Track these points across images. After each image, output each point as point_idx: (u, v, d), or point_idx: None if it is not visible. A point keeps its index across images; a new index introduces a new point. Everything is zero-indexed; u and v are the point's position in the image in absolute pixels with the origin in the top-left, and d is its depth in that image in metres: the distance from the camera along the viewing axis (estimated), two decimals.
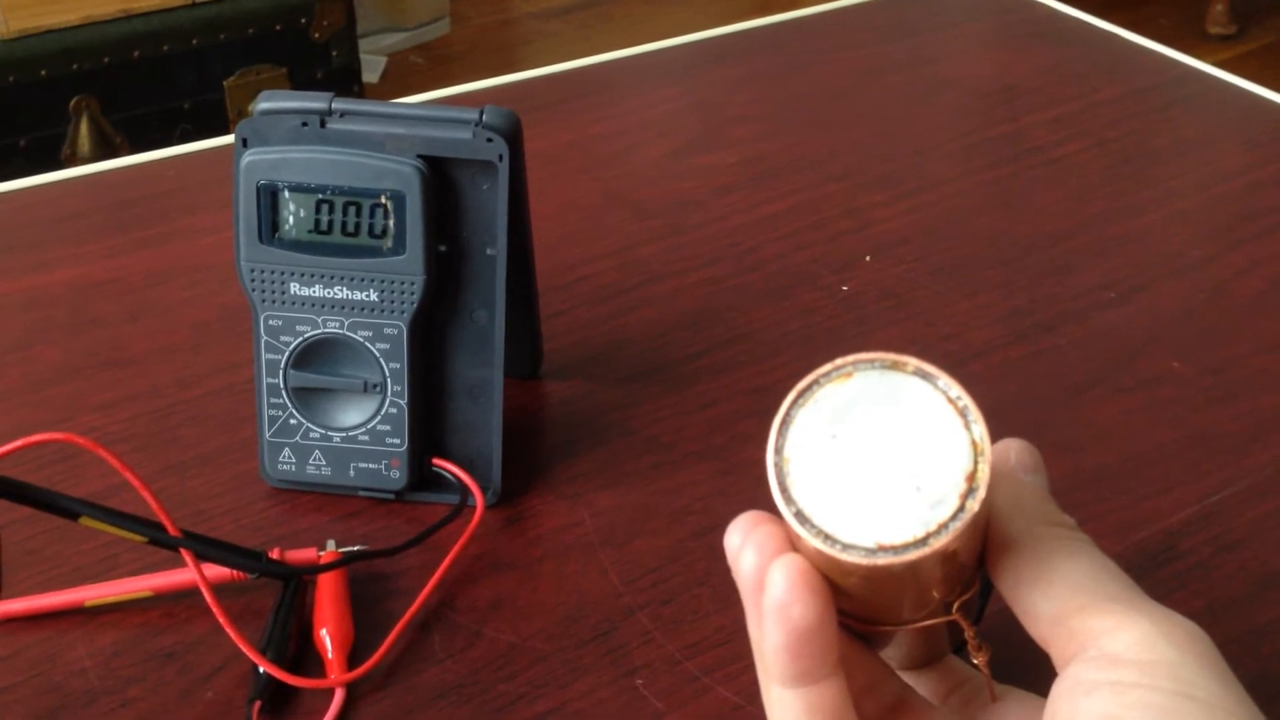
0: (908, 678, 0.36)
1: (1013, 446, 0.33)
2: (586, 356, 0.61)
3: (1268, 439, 0.56)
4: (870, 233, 0.71)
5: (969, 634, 0.32)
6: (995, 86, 0.87)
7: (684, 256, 0.68)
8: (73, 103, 1.72)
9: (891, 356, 0.29)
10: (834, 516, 0.28)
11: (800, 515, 0.28)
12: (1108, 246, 0.69)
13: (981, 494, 0.27)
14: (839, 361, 0.29)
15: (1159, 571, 0.49)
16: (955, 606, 0.31)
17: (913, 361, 0.29)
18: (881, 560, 0.27)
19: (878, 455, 0.28)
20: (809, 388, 0.29)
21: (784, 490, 0.29)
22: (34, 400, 0.58)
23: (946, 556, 0.28)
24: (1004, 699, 0.36)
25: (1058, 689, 0.29)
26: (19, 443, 0.39)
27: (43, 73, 1.70)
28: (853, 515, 0.28)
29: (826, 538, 0.28)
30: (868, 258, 0.68)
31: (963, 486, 0.28)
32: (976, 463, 0.28)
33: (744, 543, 0.30)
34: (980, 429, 0.28)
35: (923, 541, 0.27)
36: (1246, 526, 0.51)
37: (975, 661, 0.33)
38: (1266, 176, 0.76)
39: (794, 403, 0.29)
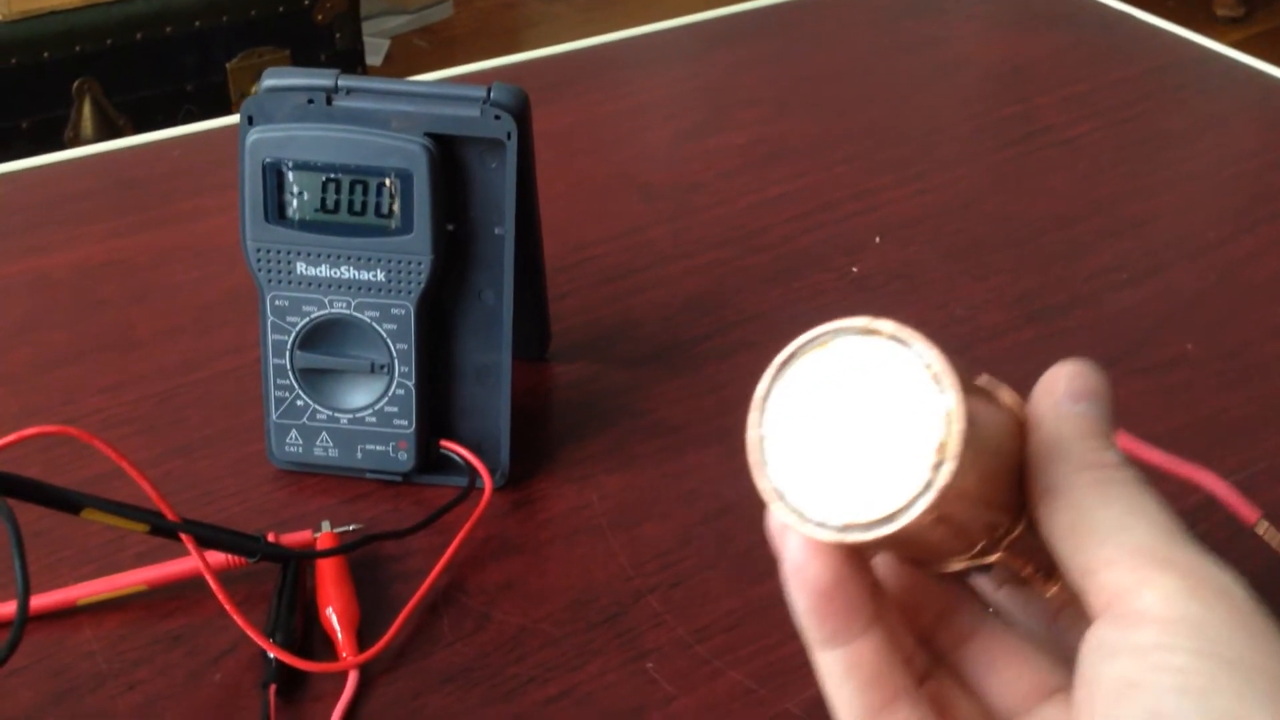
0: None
1: (1063, 374, 0.31)
2: (595, 338, 0.60)
3: None
4: (880, 214, 0.70)
5: (1024, 571, 0.31)
6: (1006, 67, 0.86)
7: (692, 238, 0.68)
8: (75, 85, 1.71)
9: (866, 321, 0.28)
10: (806, 494, 0.27)
11: (776, 493, 0.28)
12: (1120, 228, 0.69)
13: (950, 466, 0.26)
14: (817, 330, 0.28)
15: None
16: (1002, 546, 0.30)
17: (888, 326, 0.27)
18: (851, 538, 0.27)
19: (851, 428, 0.27)
20: (789, 360, 0.28)
21: (763, 466, 0.28)
22: (39, 383, 0.57)
23: (933, 524, 0.27)
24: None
25: (1084, 649, 0.28)
26: (11, 437, 0.39)
27: (45, 55, 1.69)
28: (824, 492, 0.27)
29: (799, 516, 0.27)
30: (877, 239, 0.68)
31: (932, 458, 0.26)
32: (949, 432, 0.26)
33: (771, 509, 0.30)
34: (953, 396, 0.27)
35: (890, 519, 0.26)
36: (1261, 510, 0.51)
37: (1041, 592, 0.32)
38: None
39: (775, 376, 0.28)
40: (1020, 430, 0.30)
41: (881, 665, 0.30)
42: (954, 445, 0.26)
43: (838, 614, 0.29)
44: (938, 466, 0.26)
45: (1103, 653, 0.27)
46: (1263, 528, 0.36)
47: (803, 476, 0.28)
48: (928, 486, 0.26)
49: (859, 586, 0.29)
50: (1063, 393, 0.30)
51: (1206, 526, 0.49)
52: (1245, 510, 0.35)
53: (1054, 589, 0.31)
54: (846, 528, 0.27)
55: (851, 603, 0.29)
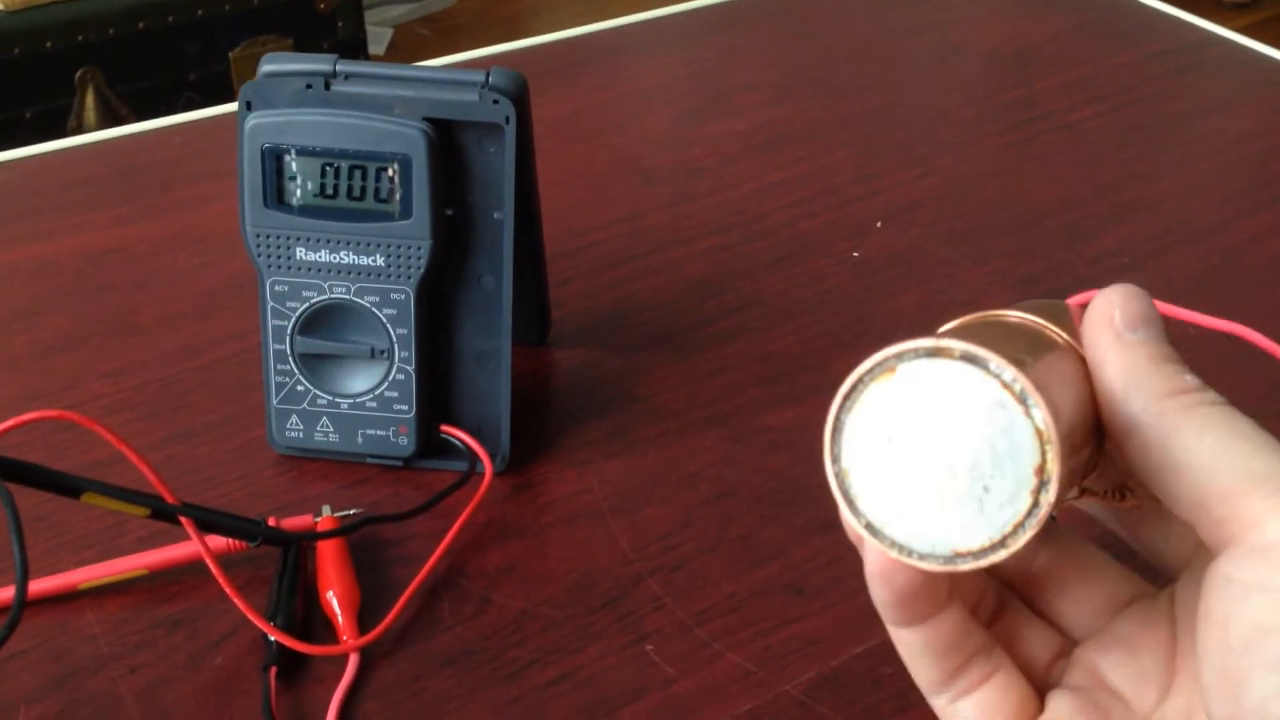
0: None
1: (1115, 301, 0.29)
2: (595, 323, 0.60)
3: None
4: (881, 199, 0.70)
5: (1102, 502, 0.31)
6: (1007, 51, 0.86)
7: (693, 224, 0.68)
8: (78, 75, 1.71)
9: (934, 342, 0.26)
10: (905, 526, 0.27)
11: (870, 527, 0.27)
12: (1122, 212, 0.69)
13: (1054, 486, 0.26)
14: (879, 356, 0.27)
15: None
16: (1082, 485, 0.30)
17: (958, 345, 0.26)
18: (963, 566, 0.26)
19: (939, 455, 0.26)
20: (854, 389, 0.27)
21: (850, 503, 0.27)
22: (41, 368, 0.57)
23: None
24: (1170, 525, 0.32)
25: (1210, 584, 0.26)
26: (11, 422, 0.39)
27: (48, 45, 1.69)
28: (924, 523, 0.27)
29: (901, 549, 0.27)
30: (879, 224, 0.68)
31: (1033, 482, 0.26)
32: (1044, 453, 0.26)
33: None
34: (1042, 414, 0.25)
35: (1000, 544, 0.26)
36: None
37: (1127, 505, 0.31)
38: None
39: (842, 406, 0.27)
40: (1082, 365, 0.29)
41: (956, 634, 0.29)
42: (1054, 466, 0.26)
43: (920, 604, 0.29)
44: (1040, 489, 0.26)
45: (1231, 591, 0.26)
46: None
47: (895, 508, 0.27)
48: (1034, 508, 0.26)
49: (939, 580, 0.29)
50: (1120, 322, 0.28)
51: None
52: None
53: (1131, 504, 0.31)
54: (955, 556, 0.26)
55: (934, 594, 0.29)
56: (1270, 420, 0.57)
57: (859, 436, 0.27)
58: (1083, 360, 0.29)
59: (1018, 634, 0.32)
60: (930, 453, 0.26)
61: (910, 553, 0.27)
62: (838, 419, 0.27)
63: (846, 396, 0.27)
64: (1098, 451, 0.30)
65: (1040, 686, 0.31)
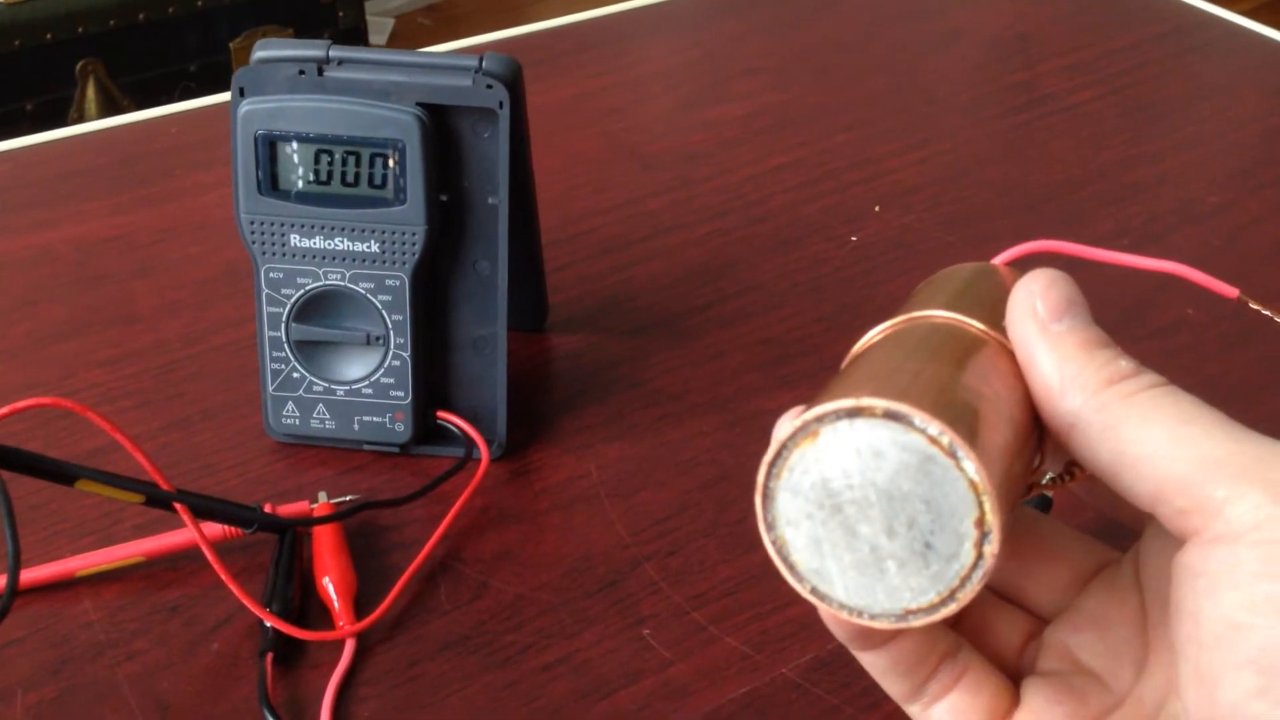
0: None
1: (1035, 292, 0.27)
2: (592, 309, 0.60)
3: None
4: (880, 183, 0.70)
5: (1051, 489, 0.30)
6: (1007, 35, 0.85)
7: (692, 209, 0.68)
8: (79, 66, 1.71)
9: (853, 402, 0.25)
10: (851, 590, 0.26)
11: (816, 592, 0.27)
12: (1123, 194, 0.68)
13: (995, 535, 0.25)
14: (801, 420, 0.25)
15: None
16: (1034, 481, 0.29)
17: (879, 403, 0.25)
18: (915, 623, 0.26)
19: (875, 517, 0.25)
20: (779, 455, 0.26)
21: (791, 569, 0.27)
22: (39, 357, 0.57)
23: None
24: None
25: (1178, 576, 0.26)
26: (6, 410, 0.39)
27: (48, 36, 1.69)
28: (869, 585, 0.26)
29: (850, 610, 0.26)
30: (877, 208, 0.68)
31: (974, 534, 0.25)
32: (982, 505, 0.25)
33: None
34: (973, 464, 0.24)
35: (950, 598, 0.26)
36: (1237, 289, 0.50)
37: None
38: None
39: (769, 474, 0.26)
40: (1013, 362, 0.28)
41: (920, 648, 0.29)
42: (993, 517, 0.25)
43: (879, 635, 0.29)
44: (982, 541, 0.25)
45: (1200, 585, 0.25)
46: (1244, 301, 0.35)
47: (838, 571, 0.26)
48: (978, 561, 0.25)
49: None
50: (1044, 314, 0.27)
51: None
52: (1224, 289, 0.34)
53: (1081, 479, 0.30)
54: (907, 614, 0.26)
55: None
56: (1273, 399, 0.57)
57: (790, 503, 0.26)
58: (1008, 352, 0.28)
59: (985, 624, 0.31)
60: (865, 515, 0.26)
61: (861, 613, 0.26)
62: (766, 487, 0.26)
63: (772, 464, 0.26)
64: (1040, 449, 0.29)
65: (1014, 673, 0.31)
